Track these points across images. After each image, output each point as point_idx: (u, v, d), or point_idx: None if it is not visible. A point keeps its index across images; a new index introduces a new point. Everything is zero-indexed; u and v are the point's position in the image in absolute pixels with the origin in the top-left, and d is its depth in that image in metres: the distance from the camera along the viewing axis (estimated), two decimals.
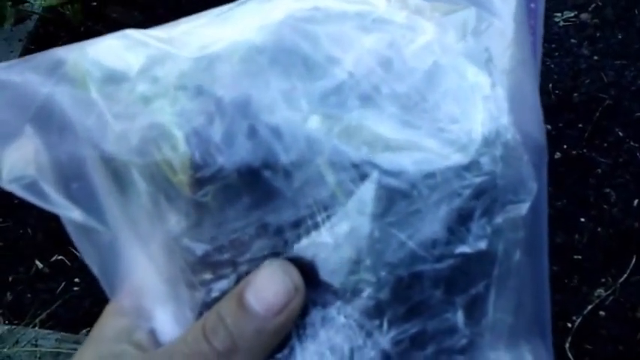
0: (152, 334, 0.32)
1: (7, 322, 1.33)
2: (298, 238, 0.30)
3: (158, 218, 0.30)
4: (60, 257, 1.43)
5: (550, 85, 1.67)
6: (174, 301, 0.32)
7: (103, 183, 0.31)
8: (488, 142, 0.29)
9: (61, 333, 1.30)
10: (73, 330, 1.31)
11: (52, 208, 0.30)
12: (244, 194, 0.29)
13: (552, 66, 1.72)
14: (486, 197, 0.29)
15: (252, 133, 0.29)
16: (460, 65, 0.30)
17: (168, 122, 0.29)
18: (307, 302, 0.30)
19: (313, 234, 0.29)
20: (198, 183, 0.29)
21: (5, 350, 1.30)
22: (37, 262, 1.44)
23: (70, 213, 0.30)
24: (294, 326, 0.30)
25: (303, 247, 0.30)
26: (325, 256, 0.29)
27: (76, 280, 1.40)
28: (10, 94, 0.30)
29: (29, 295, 1.40)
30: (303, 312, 0.30)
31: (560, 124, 1.61)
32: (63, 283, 1.40)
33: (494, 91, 0.30)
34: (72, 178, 0.30)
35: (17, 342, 1.30)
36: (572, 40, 1.79)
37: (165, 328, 0.32)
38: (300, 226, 0.29)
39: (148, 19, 1.80)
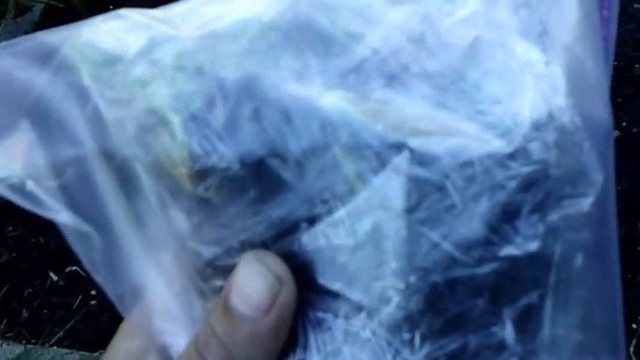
0: (166, 355, 0.30)
1: (24, 341, 1.29)
2: (313, 238, 0.27)
3: (165, 219, 0.29)
4: (74, 268, 1.39)
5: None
6: (187, 317, 0.30)
7: (105, 183, 0.29)
8: (538, 126, 0.26)
9: (80, 352, 1.27)
10: (92, 348, 1.28)
11: (40, 210, 0.28)
12: (250, 188, 0.27)
13: None
14: (537, 190, 0.26)
15: (258, 117, 0.27)
16: (508, 40, 0.27)
17: (165, 107, 0.28)
18: (328, 314, 0.27)
19: (330, 233, 0.27)
20: (199, 175, 0.27)
21: None
22: (52, 274, 1.40)
23: (60, 217, 0.28)
24: (313, 342, 0.28)
25: (319, 248, 0.27)
26: (345, 259, 0.27)
27: (93, 292, 1.38)
28: None
29: (46, 311, 1.37)
30: (324, 325, 0.28)
31: (619, 100, 1.47)
32: (79, 297, 1.37)
33: (548, 69, 0.27)
34: (70, 179, 0.28)
35: None
36: (636, 5, 1.64)
37: (179, 347, 0.30)
38: (315, 224, 0.27)
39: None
